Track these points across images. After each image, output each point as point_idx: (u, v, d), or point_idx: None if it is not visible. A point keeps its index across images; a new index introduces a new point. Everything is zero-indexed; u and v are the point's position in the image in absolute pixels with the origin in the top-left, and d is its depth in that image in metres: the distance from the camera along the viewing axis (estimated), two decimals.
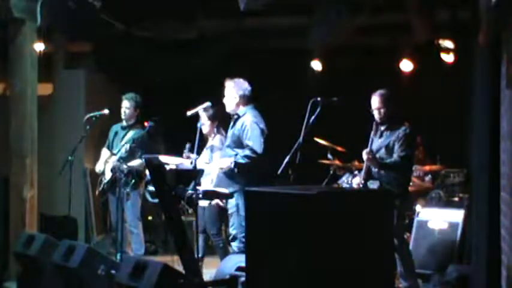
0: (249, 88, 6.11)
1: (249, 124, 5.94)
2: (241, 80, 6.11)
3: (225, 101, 6.11)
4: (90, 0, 6.46)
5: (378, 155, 5.64)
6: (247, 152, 5.87)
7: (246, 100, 6.09)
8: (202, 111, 6.31)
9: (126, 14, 7.74)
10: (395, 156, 5.61)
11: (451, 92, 7.74)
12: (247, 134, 5.91)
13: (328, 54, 8.00)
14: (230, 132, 6.14)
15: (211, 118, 6.53)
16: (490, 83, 4.18)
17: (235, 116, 6.09)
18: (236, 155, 5.92)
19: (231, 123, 6.15)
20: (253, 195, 3.91)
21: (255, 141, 5.89)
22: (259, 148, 5.88)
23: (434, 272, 5.87)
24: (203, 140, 6.50)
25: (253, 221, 3.78)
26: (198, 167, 5.83)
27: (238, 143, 5.98)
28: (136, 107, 7.19)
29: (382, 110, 5.69)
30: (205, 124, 6.46)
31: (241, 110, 6.07)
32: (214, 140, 6.57)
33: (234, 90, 6.05)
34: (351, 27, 7.60)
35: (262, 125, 6.01)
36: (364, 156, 5.61)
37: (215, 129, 6.61)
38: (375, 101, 5.73)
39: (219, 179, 6.06)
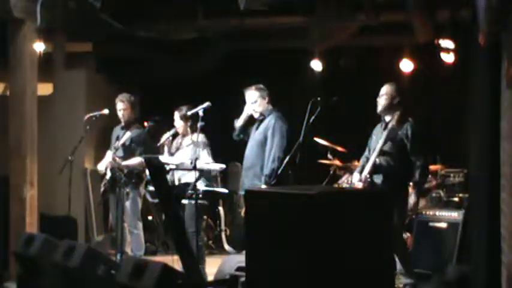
0: None
1: (275, 124, 6.02)
2: (259, 84, 6.21)
3: (254, 107, 6.14)
4: (90, 0, 6.46)
5: (384, 148, 5.59)
6: (274, 164, 5.89)
7: (269, 101, 6.18)
8: (176, 111, 6.61)
9: (125, 14, 7.73)
10: (417, 163, 5.56)
11: (451, 92, 7.74)
12: (273, 136, 5.98)
13: (328, 54, 8.00)
14: (255, 133, 6.16)
15: (183, 118, 6.61)
16: (490, 83, 4.17)
17: (261, 117, 6.14)
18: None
19: (256, 125, 6.18)
20: (253, 195, 3.90)
21: (276, 148, 5.92)
22: (281, 153, 5.90)
23: (434, 272, 5.87)
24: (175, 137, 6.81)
25: (253, 221, 3.77)
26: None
27: (263, 142, 6.01)
28: (132, 107, 7.18)
29: (385, 97, 5.64)
30: (178, 124, 6.67)
31: (266, 110, 6.12)
32: (194, 137, 6.57)
33: (259, 94, 6.15)
34: (350, 27, 7.62)
35: (285, 126, 6.05)
36: (359, 184, 5.55)
37: (188, 129, 6.65)
38: (386, 88, 5.68)
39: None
